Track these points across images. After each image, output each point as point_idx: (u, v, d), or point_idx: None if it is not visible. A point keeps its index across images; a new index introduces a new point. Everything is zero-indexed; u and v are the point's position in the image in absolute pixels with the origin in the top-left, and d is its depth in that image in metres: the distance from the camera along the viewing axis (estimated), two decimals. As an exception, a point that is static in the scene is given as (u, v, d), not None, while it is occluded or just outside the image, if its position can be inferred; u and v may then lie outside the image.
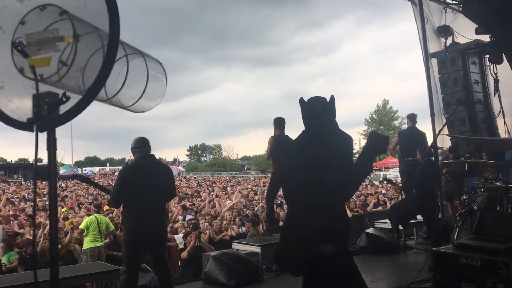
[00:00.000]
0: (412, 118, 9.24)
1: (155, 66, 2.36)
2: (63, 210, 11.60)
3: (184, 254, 8.19)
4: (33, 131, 1.72)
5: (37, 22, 1.87)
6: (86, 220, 8.36)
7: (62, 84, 1.81)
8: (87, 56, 1.85)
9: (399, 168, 9.10)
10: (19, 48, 1.79)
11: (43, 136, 1.76)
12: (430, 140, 8.67)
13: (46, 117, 1.72)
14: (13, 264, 7.20)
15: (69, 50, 1.79)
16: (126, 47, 2.21)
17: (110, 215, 9.84)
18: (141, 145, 5.17)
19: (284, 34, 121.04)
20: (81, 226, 8.37)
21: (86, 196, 18.17)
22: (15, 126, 1.80)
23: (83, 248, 8.04)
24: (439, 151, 9.08)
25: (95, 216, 8.31)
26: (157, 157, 5.65)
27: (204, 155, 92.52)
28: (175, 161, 77.22)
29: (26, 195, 20.41)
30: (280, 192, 8.45)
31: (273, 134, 7.17)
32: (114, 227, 8.74)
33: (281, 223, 8.89)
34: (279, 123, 7.15)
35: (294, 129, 3.64)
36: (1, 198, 13.19)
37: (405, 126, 56.43)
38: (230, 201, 13.50)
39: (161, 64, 2.40)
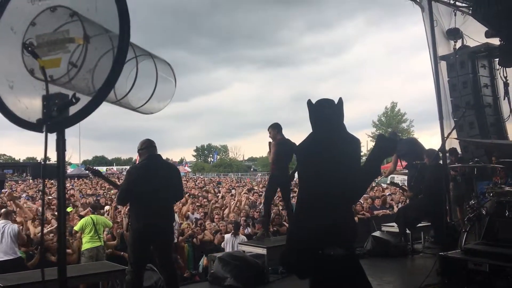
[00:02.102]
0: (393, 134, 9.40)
1: (164, 68, 2.36)
2: (68, 209, 11.64)
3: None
4: (42, 132, 1.72)
5: (48, 23, 1.87)
6: (81, 221, 8.40)
7: (72, 85, 1.81)
8: (97, 57, 1.85)
9: (408, 174, 9.04)
10: (29, 49, 1.80)
11: (52, 136, 1.77)
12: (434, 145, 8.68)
13: (56, 118, 1.73)
14: None
15: (79, 52, 1.79)
16: (136, 49, 2.21)
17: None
18: (148, 146, 5.19)
19: (293, 35, 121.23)
20: (75, 228, 8.41)
21: (84, 196, 18.04)
22: (25, 126, 1.81)
23: (81, 250, 8.07)
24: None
25: (91, 217, 8.33)
26: (164, 157, 5.66)
27: (211, 155, 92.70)
28: (181, 162, 77.53)
29: (32, 193, 20.51)
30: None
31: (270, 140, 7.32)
32: (111, 224, 8.81)
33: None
34: (279, 127, 7.29)
35: (302, 131, 3.64)
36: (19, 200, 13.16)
37: (413, 129, 55.96)
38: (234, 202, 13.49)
39: (170, 66, 2.41)
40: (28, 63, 1.86)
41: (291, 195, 8.74)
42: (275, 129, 7.30)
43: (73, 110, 1.74)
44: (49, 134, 1.74)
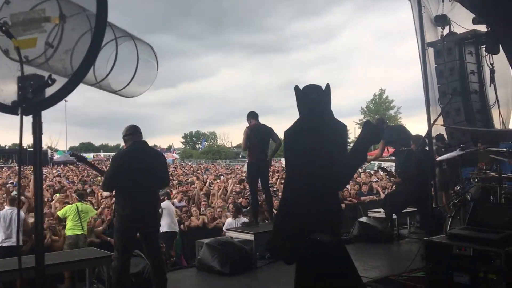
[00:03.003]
0: (381, 121, 9.48)
1: (146, 50, 2.31)
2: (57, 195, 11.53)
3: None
4: (18, 114, 1.67)
5: (23, 2, 1.81)
6: (65, 208, 8.40)
7: (48, 66, 1.75)
8: (75, 38, 1.79)
9: (395, 161, 9.09)
10: (3, 28, 1.74)
11: (30, 120, 1.71)
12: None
13: (31, 100, 1.67)
14: None
15: (56, 32, 1.74)
16: (116, 30, 2.15)
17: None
18: (133, 132, 5.13)
19: (281, 21, 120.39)
20: (59, 213, 8.39)
21: (69, 183, 17.90)
22: (0, 109, 1.75)
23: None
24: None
25: (75, 205, 8.30)
26: (152, 144, 5.62)
27: (199, 142, 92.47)
28: (170, 148, 77.17)
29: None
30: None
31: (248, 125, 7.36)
32: (95, 212, 8.87)
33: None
34: (253, 114, 7.37)
35: (290, 118, 3.62)
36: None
37: (400, 116, 56.15)
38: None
39: (152, 48, 2.35)
40: (2, 43, 1.80)
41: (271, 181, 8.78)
42: (249, 116, 7.37)
43: (49, 92, 1.69)
44: (26, 117, 1.69)
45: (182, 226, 9.57)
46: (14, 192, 13.42)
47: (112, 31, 2.09)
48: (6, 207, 7.70)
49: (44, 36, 1.75)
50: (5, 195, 11.15)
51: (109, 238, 8.27)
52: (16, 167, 35.61)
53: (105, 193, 10.29)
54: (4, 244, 7.34)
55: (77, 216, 8.06)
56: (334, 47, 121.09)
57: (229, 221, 9.08)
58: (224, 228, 8.95)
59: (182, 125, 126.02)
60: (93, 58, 1.64)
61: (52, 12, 1.75)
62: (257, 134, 7.21)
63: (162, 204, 8.02)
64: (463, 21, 9.60)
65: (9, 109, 1.71)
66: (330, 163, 3.34)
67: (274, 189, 12.35)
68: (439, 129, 9.68)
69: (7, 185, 16.59)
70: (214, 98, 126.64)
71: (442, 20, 10.04)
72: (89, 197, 10.86)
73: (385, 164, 10.94)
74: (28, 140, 1.87)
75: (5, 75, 1.78)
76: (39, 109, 1.68)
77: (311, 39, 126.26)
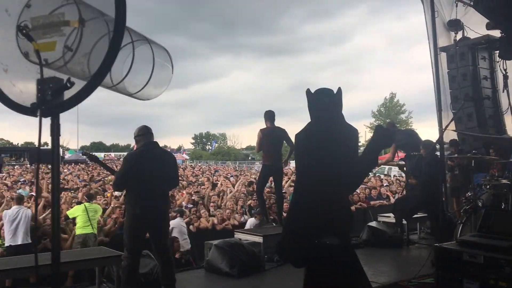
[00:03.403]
0: (392, 125, 9.61)
1: (162, 54, 2.34)
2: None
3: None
4: (36, 116, 1.70)
5: (43, 6, 1.84)
6: (73, 208, 8.49)
7: (67, 69, 1.79)
8: (93, 41, 1.83)
9: (406, 165, 9.05)
10: (24, 31, 1.77)
11: (47, 121, 1.75)
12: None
13: (50, 103, 1.71)
14: None
15: (75, 35, 1.77)
16: (133, 34, 2.18)
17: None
18: (144, 133, 5.17)
19: (293, 23, 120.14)
20: (67, 212, 8.48)
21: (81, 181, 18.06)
22: (19, 110, 1.79)
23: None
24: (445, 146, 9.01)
25: (84, 205, 8.37)
26: (162, 145, 5.65)
27: (209, 143, 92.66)
28: (179, 149, 77.39)
29: (30, 178, 20.44)
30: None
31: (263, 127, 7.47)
32: (101, 211, 8.96)
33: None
34: (270, 115, 7.42)
35: (300, 120, 3.64)
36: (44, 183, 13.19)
37: (411, 120, 55.76)
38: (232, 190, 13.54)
39: (167, 52, 2.38)
40: (22, 46, 1.84)
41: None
42: (265, 117, 7.49)
43: (68, 94, 1.72)
44: (44, 119, 1.72)
45: (191, 227, 9.60)
46: (20, 190, 13.61)
47: (129, 35, 2.12)
48: (14, 207, 7.76)
49: (63, 39, 1.78)
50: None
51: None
52: (28, 165, 35.97)
53: (116, 193, 10.39)
54: (13, 244, 7.40)
55: (86, 215, 8.13)
56: (346, 50, 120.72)
57: (251, 221, 9.25)
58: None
59: (193, 126, 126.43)
60: (111, 62, 1.67)
61: (71, 16, 1.78)
62: (270, 137, 7.31)
63: (172, 222, 8.10)
64: (476, 26, 9.53)
65: (28, 110, 1.75)
66: (341, 167, 3.35)
67: (283, 191, 12.38)
68: (450, 134, 9.61)
69: (18, 183, 16.82)
70: (224, 100, 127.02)
71: (455, 25, 9.99)
72: (98, 197, 10.95)
73: (393, 170, 10.89)
74: (42, 139, 1.90)
75: (25, 77, 1.82)
76: (57, 111, 1.72)
77: (323, 41, 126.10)
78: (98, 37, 1.84)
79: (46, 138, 1.73)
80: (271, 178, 8.17)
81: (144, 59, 2.24)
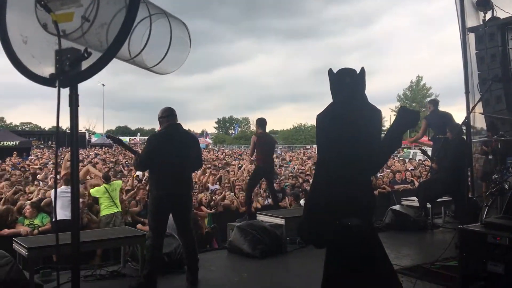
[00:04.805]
0: (434, 103, 9.36)
1: (179, 27, 2.32)
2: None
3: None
4: (55, 86, 1.72)
5: (61, -23, 1.84)
6: (94, 189, 8.60)
7: (84, 40, 1.80)
8: (110, 13, 1.82)
9: (432, 147, 8.89)
10: (42, 3, 1.78)
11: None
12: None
13: (68, 73, 1.71)
14: (46, 227, 7.46)
15: (92, 6, 1.77)
16: (151, 7, 2.17)
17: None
18: (168, 115, 5.18)
19: (318, 4, 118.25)
20: (91, 191, 8.62)
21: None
22: (38, 81, 1.81)
23: (99, 216, 8.29)
24: (472, 130, 8.79)
25: (104, 186, 8.48)
26: (185, 129, 5.66)
27: (232, 127, 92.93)
28: (203, 133, 77.92)
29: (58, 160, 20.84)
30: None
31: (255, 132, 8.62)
32: (120, 184, 9.20)
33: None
34: (262, 122, 8.52)
35: (324, 105, 3.56)
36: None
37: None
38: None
39: (185, 26, 2.36)
40: (41, 17, 1.85)
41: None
42: (256, 124, 8.65)
43: (85, 65, 1.73)
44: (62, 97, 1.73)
45: (215, 209, 9.68)
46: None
47: (147, 8, 2.11)
48: (63, 186, 7.86)
49: (81, 10, 1.79)
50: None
51: (142, 219, 8.47)
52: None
53: (138, 173, 10.55)
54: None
55: (108, 196, 8.26)
56: (372, 32, 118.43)
57: None
58: None
59: (216, 110, 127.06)
60: (126, 34, 1.67)
61: (89, -14, 1.78)
62: (263, 142, 8.38)
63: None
64: (506, 6, 9.19)
65: (47, 81, 1.76)
66: (363, 148, 3.29)
67: (307, 173, 12.40)
68: (477, 117, 9.37)
69: (47, 165, 17.21)
70: (248, 84, 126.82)
71: (484, 5, 9.64)
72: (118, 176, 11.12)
73: (419, 156, 10.72)
74: (67, 123, 1.92)
75: (43, 48, 1.84)
76: (75, 82, 1.73)
77: (349, 24, 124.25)
78: (115, 8, 1.83)
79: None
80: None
81: (162, 33, 2.23)
